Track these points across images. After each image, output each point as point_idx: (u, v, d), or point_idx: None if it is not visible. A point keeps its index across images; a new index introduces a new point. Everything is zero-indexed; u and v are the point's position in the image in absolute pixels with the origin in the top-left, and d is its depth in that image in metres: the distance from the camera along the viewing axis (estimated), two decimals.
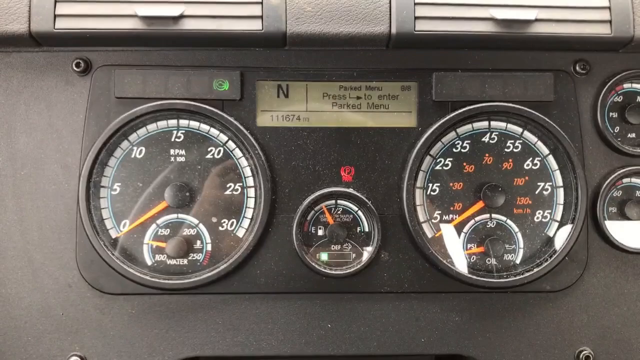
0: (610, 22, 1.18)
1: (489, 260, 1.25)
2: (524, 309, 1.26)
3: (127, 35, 1.16)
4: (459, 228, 1.25)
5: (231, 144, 1.24)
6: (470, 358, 1.27)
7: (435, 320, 1.25)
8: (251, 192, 1.23)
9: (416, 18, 1.16)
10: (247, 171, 1.24)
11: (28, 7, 1.14)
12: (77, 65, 1.21)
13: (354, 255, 1.24)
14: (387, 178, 1.24)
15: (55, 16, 1.14)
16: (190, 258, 1.23)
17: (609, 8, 1.19)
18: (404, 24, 1.16)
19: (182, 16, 1.14)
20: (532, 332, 1.26)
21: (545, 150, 1.26)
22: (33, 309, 1.22)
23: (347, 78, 1.24)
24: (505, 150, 1.26)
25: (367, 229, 1.24)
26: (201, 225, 1.23)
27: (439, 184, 1.25)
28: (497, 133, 1.26)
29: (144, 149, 1.23)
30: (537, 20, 1.17)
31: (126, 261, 1.20)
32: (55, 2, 1.14)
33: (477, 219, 1.25)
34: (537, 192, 1.26)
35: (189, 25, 1.15)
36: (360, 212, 1.25)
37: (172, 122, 1.23)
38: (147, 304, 1.23)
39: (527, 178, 1.26)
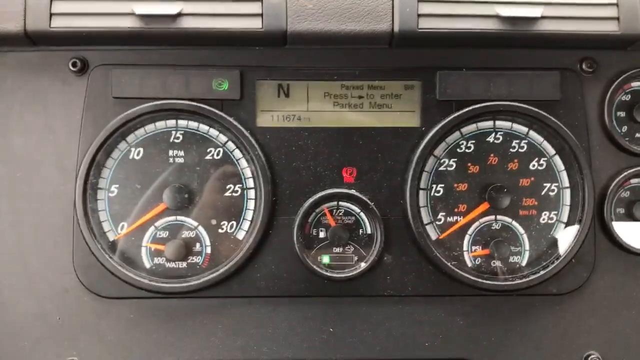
0: (618, 19, 1.16)
1: (494, 263, 1.23)
2: (530, 312, 1.24)
3: (124, 34, 1.13)
4: (463, 230, 1.23)
5: (231, 145, 1.21)
6: None
7: (439, 324, 1.23)
8: (251, 193, 1.21)
9: (419, 15, 1.14)
10: (247, 172, 1.21)
11: (23, 5, 1.12)
12: (74, 64, 1.20)
13: (356, 258, 1.21)
14: (390, 179, 1.22)
15: (51, 15, 1.12)
16: (189, 261, 1.21)
17: (617, 5, 1.16)
18: (407, 22, 1.14)
19: (180, 14, 1.12)
20: (539, 335, 1.24)
21: (551, 150, 1.24)
22: (29, 314, 1.20)
23: (349, 77, 1.22)
24: (511, 150, 1.23)
25: (369, 231, 1.22)
26: (200, 228, 1.21)
27: (443, 185, 1.23)
28: (502, 133, 1.23)
29: (142, 150, 1.20)
30: (542, 17, 1.15)
31: (124, 264, 1.18)
32: (51, 0, 1.12)
33: (482, 220, 1.23)
34: (543, 193, 1.23)
35: (187, 23, 1.13)
36: (362, 214, 1.22)
37: (171, 123, 1.21)
38: (145, 308, 1.21)
39: (532, 179, 1.23)
